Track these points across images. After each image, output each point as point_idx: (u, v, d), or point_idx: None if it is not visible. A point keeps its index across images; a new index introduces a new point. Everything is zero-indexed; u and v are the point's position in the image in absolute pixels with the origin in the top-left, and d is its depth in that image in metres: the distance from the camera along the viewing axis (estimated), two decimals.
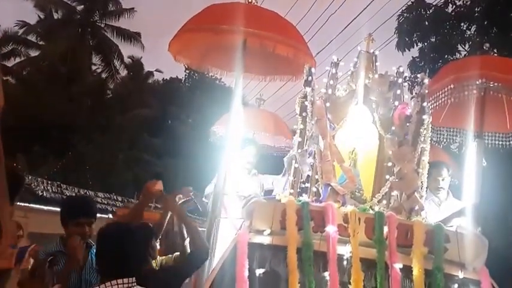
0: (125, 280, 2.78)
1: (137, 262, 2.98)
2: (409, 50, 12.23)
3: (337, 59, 4.17)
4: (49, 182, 15.75)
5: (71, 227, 3.59)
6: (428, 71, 10.85)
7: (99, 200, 16.96)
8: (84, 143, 22.93)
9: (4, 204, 1.65)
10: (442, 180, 4.83)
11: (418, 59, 12.16)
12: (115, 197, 18.39)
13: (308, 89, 4.04)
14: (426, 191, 4.78)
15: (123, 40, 27.77)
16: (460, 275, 2.95)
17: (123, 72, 29.29)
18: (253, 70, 4.74)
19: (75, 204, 3.92)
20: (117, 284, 2.75)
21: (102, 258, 2.91)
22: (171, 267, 3.88)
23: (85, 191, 16.56)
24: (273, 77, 4.85)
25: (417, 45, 12.22)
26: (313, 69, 4.09)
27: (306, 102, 4.05)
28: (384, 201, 3.92)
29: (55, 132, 22.33)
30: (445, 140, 5.07)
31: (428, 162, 4.19)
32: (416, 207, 3.71)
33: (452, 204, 4.66)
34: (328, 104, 4.01)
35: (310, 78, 4.06)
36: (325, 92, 4.11)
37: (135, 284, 2.82)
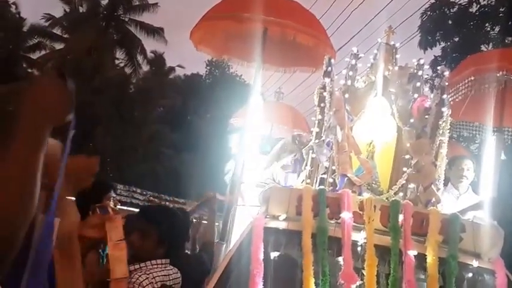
0: (158, 261, 2.90)
1: (179, 245, 3.09)
2: (431, 49, 12.13)
3: (357, 51, 4.18)
4: None
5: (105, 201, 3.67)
6: (450, 70, 10.75)
7: (118, 192, 17.16)
8: (105, 136, 23.24)
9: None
10: (467, 170, 4.80)
11: (440, 58, 12.05)
12: (134, 189, 18.60)
13: (327, 80, 4.06)
14: (447, 183, 4.80)
15: (146, 35, 27.98)
16: (475, 264, 2.96)
17: (146, 67, 29.55)
18: (274, 61, 4.77)
19: (101, 183, 4.04)
20: (152, 264, 2.86)
21: (146, 238, 2.98)
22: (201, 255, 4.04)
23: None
24: (293, 68, 4.88)
25: (440, 44, 12.10)
26: (332, 60, 4.11)
27: (325, 93, 4.08)
28: (401, 193, 3.92)
29: (77, 124, 22.63)
30: (464, 135, 5.06)
31: (451, 157, 4.19)
32: (433, 200, 3.71)
33: (471, 198, 4.65)
34: (346, 96, 4.04)
35: (329, 69, 4.08)
36: (344, 83, 4.13)
37: (168, 263, 2.93)
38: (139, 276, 2.73)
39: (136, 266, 2.83)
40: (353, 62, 4.19)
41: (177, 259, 3.02)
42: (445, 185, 4.94)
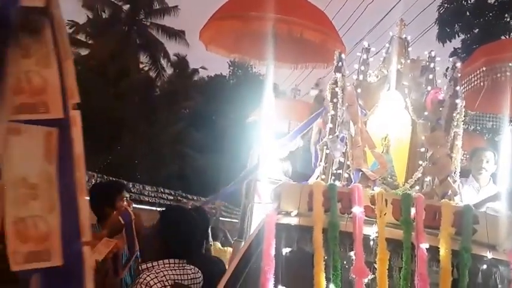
0: (171, 260, 2.95)
1: (193, 245, 3.13)
2: (450, 41, 11.95)
3: (368, 45, 4.18)
4: (99, 176, 16.31)
5: (118, 202, 3.73)
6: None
7: (146, 193, 17.45)
8: (132, 139, 23.59)
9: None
10: (486, 162, 4.76)
11: (459, 51, 11.85)
12: (162, 189, 18.84)
13: (338, 75, 4.05)
14: (469, 175, 4.75)
15: (168, 38, 28.29)
16: (489, 255, 2.92)
17: (169, 70, 29.86)
18: (285, 58, 4.78)
19: (113, 184, 4.09)
20: (164, 264, 2.91)
21: (160, 238, 3.05)
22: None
23: (133, 184, 17.03)
24: (305, 65, 4.88)
25: (459, 36, 11.91)
26: (343, 55, 4.11)
27: (337, 89, 4.07)
28: (417, 187, 3.92)
29: (105, 128, 23.06)
30: (488, 127, 5.01)
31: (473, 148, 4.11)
32: (449, 192, 3.69)
33: (491, 191, 4.59)
34: (359, 90, 4.04)
35: (340, 64, 4.07)
36: (357, 78, 4.14)
37: (185, 263, 2.97)
38: (147, 276, 2.76)
39: (149, 265, 2.88)
40: (364, 56, 4.19)
41: (189, 259, 3.05)
42: (466, 176, 4.90)
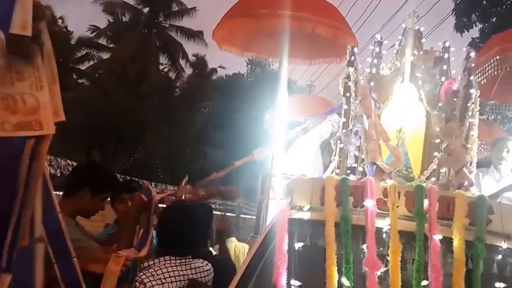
0: (172, 257, 2.96)
1: (194, 242, 3.14)
2: (468, 31, 11.76)
3: (381, 38, 4.16)
4: (122, 176, 16.51)
5: (116, 203, 3.79)
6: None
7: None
8: (154, 139, 23.80)
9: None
10: (507, 152, 4.73)
11: (477, 40, 11.66)
12: None
13: (351, 69, 4.06)
14: (490, 165, 4.71)
15: (186, 39, 28.58)
16: (504, 245, 2.89)
17: (189, 70, 30.14)
18: (298, 55, 4.79)
19: (117, 185, 4.11)
20: (165, 260, 2.93)
21: (160, 236, 3.08)
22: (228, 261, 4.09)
23: (155, 183, 17.20)
24: (318, 60, 4.89)
25: (476, 26, 11.72)
26: (355, 49, 4.10)
27: (349, 83, 4.08)
28: (433, 178, 3.89)
29: (126, 129, 23.34)
30: (501, 116, 4.95)
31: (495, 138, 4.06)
32: (466, 183, 3.65)
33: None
34: (372, 83, 4.03)
35: (352, 58, 4.07)
36: (369, 72, 4.13)
37: (190, 258, 2.99)
38: (143, 274, 2.78)
39: (150, 262, 2.90)
40: (377, 49, 4.18)
41: (193, 256, 3.07)
42: (488, 167, 4.86)
